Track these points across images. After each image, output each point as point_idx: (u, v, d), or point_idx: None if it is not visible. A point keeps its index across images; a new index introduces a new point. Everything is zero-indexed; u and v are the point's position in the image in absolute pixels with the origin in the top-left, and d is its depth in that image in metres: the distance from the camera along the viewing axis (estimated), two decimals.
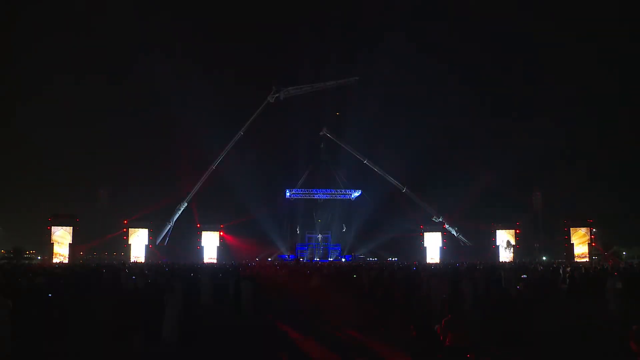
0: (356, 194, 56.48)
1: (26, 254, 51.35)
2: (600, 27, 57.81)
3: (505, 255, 51.84)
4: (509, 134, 59.62)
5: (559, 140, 54.56)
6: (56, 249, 48.80)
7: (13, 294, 12.14)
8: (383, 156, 56.42)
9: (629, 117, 55.98)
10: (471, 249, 54.36)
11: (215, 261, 50.39)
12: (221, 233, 54.23)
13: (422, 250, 54.14)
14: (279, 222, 57.32)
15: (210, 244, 53.90)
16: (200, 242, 53.60)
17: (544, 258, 51.66)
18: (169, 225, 53.61)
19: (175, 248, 52.90)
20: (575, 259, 48.16)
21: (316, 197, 57.50)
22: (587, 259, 47.28)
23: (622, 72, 56.49)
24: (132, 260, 48.44)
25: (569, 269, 25.84)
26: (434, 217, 54.98)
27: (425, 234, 54.81)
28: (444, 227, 54.85)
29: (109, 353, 10.94)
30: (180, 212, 53.50)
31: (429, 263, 47.63)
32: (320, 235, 57.08)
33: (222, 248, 54.02)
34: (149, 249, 51.88)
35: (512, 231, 53.28)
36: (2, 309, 9.59)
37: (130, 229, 51.98)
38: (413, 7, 60.44)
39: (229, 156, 53.51)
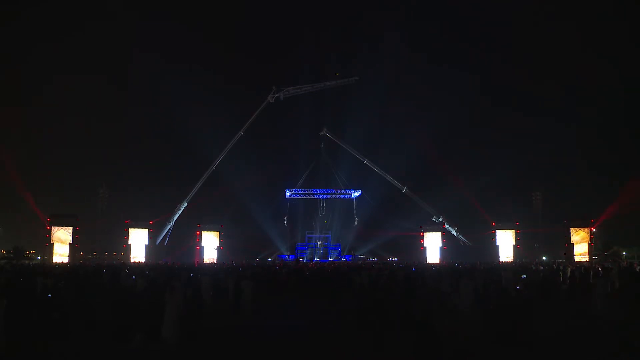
0: (356, 194, 56.50)
1: (26, 254, 51.33)
2: (602, 27, 57.79)
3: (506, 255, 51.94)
4: (509, 133, 59.69)
5: (560, 140, 54.57)
6: (56, 249, 48.77)
7: (13, 293, 12.17)
8: (383, 156, 56.54)
9: (631, 116, 55.97)
10: (471, 249, 54.38)
11: (215, 261, 50.42)
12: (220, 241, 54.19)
13: (422, 251, 54.14)
14: (279, 222, 57.40)
15: (210, 244, 53.88)
16: (200, 242, 53.60)
17: (544, 258, 51.68)
18: (169, 225, 53.58)
19: (176, 249, 52.94)
20: (575, 258, 48.14)
21: (316, 197, 57.55)
22: (587, 259, 47.27)
23: (624, 71, 56.43)
24: (131, 260, 48.44)
25: (569, 269, 25.84)
26: (434, 217, 54.97)
27: (425, 234, 54.80)
28: (444, 227, 54.86)
29: (109, 353, 10.95)
30: (180, 212, 53.51)
31: (429, 263, 47.68)
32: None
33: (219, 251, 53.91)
34: (149, 249, 51.85)
35: (512, 231, 53.26)
36: None
37: (130, 229, 51.96)
38: (413, 7, 60.48)
39: (229, 156, 53.54)
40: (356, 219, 56.38)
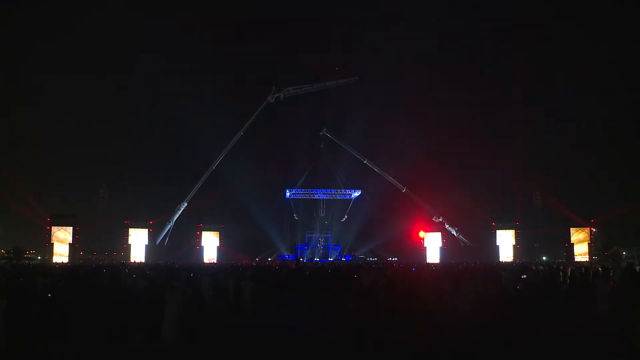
0: (356, 194, 56.52)
1: (26, 254, 51.35)
2: (603, 26, 57.74)
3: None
4: (509, 133, 59.63)
5: (560, 139, 54.56)
6: (56, 248, 48.77)
7: (13, 293, 12.16)
8: (383, 156, 56.60)
9: (631, 115, 55.92)
10: (471, 249, 54.40)
11: (215, 261, 50.42)
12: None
13: (422, 251, 54.15)
14: (279, 222, 57.45)
15: (210, 244, 53.91)
16: (200, 242, 53.62)
17: (544, 258, 51.68)
18: (169, 225, 53.63)
19: (176, 249, 52.95)
20: (575, 258, 48.16)
21: (316, 197, 57.60)
22: (587, 259, 47.30)
23: (624, 71, 56.38)
24: (131, 260, 48.45)
25: (569, 269, 25.83)
26: (434, 217, 55.01)
27: (425, 233, 54.80)
28: (444, 227, 54.88)
29: (109, 353, 10.94)
30: (180, 212, 53.54)
31: (429, 263, 47.67)
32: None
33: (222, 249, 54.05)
34: (149, 249, 51.86)
35: (512, 231, 53.29)
36: None
37: (130, 229, 51.97)
38: (413, 7, 60.37)
39: (229, 156, 53.54)
40: (345, 216, 56.65)
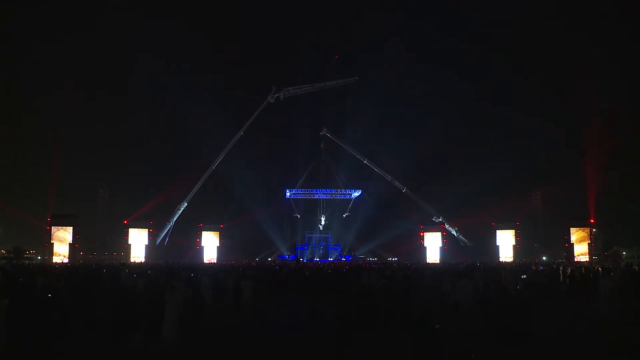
0: (356, 194, 56.55)
1: (26, 254, 51.32)
2: (603, 26, 57.69)
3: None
4: (509, 133, 59.62)
5: (560, 139, 54.60)
6: (56, 248, 48.78)
7: (13, 293, 12.16)
8: (383, 156, 56.60)
9: (631, 115, 55.83)
10: (471, 249, 54.41)
11: (215, 261, 50.42)
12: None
13: (422, 250, 54.17)
14: (279, 222, 57.47)
15: (210, 244, 53.92)
16: (200, 242, 53.63)
17: (544, 258, 51.69)
18: (169, 225, 53.65)
19: (176, 249, 52.94)
20: (575, 259, 48.16)
21: (316, 197, 57.61)
22: (587, 259, 47.30)
23: (624, 71, 56.33)
24: (131, 260, 48.46)
25: (569, 269, 25.85)
26: (434, 217, 55.03)
27: (425, 234, 54.85)
28: (444, 227, 54.91)
29: (109, 353, 10.95)
30: (180, 212, 53.55)
31: (429, 263, 47.72)
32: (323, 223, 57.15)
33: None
34: (149, 249, 51.88)
35: (512, 231, 53.30)
36: None
37: (130, 229, 51.98)
38: (413, 7, 60.48)
39: (228, 156, 53.57)
40: (346, 214, 56.83)
